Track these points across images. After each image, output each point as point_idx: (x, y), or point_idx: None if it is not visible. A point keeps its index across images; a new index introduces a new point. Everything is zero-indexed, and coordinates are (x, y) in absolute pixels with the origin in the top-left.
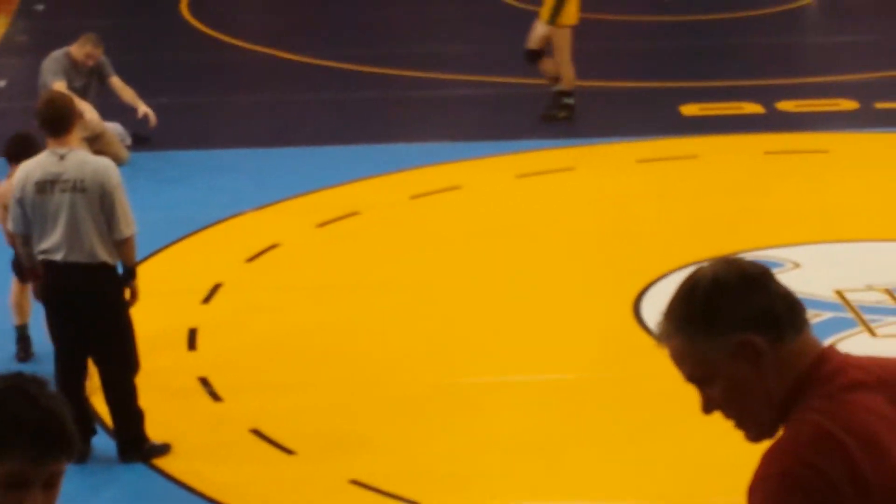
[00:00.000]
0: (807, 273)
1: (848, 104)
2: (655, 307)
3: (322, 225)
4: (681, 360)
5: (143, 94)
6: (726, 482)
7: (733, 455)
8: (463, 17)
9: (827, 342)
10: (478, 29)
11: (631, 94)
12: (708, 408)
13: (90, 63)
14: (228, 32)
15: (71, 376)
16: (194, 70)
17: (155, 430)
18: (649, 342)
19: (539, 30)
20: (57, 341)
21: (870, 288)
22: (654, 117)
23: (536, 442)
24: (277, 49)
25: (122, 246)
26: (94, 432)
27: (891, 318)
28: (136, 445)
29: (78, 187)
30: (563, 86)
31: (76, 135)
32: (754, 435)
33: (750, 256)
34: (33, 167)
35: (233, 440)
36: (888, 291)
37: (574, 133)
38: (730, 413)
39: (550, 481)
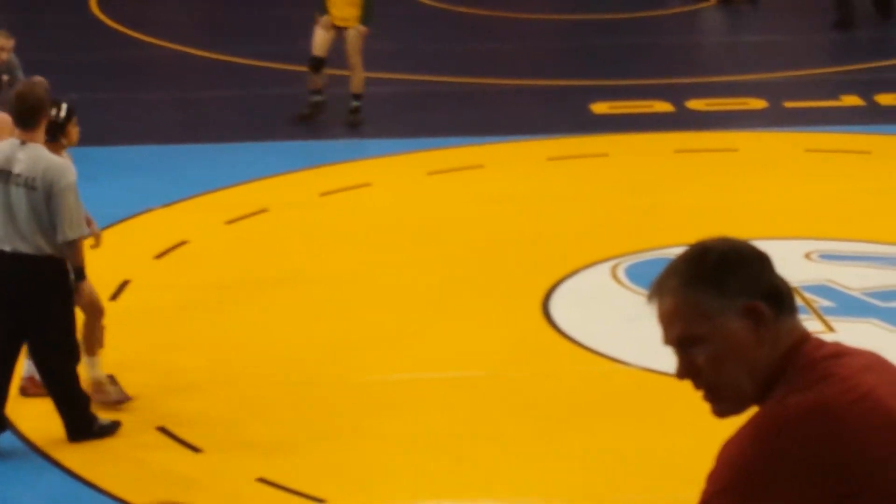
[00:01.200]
0: None
1: (757, 103)
2: (565, 305)
3: (231, 222)
4: (677, 316)
5: (53, 91)
6: (634, 480)
7: (641, 453)
8: (376, 16)
9: None
10: (390, 27)
11: (541, 92)
12: (686, 373)
13: (3, 56)
14: (138, 28)
15: (2, 366)
16: (103, 66)
17: (60, 429)
18: (558, 340)
19: (327, 36)
20: None
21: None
22: (564, 115)
23: (446, 440)
24: (187, 45)
25: (66, 248)
26: (3, 429)
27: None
28: (87, 427)
29: (29, 184)
30: (357, 89)
31: (41, 131)
32: (727, 406)
33: (659, 255)
34: (2, 152)
35: (140, 438)
36: (795, 290)
37: (485, 131)
38: (708, 379)
39: (459, 479)
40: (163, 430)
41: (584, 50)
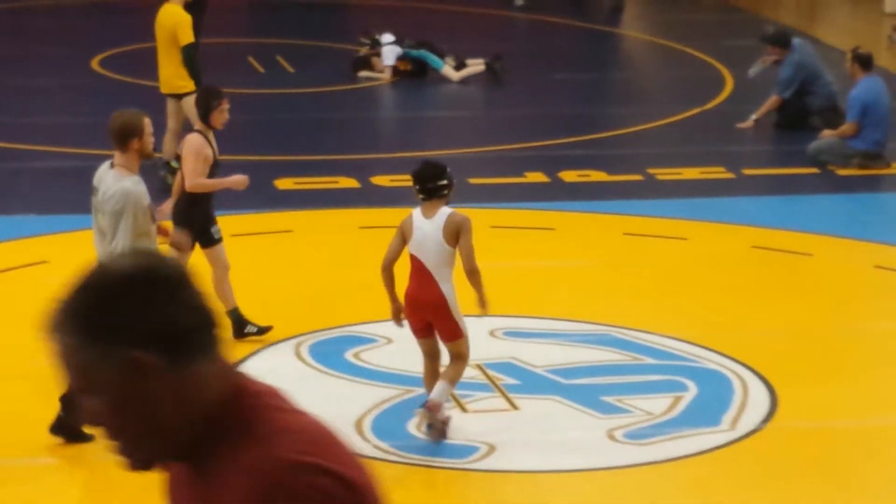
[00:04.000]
0: (400, 348)
1: None
2: None
3: None
4: (61, 362)
5: None
6: None
7: None
8: (56, 88)
9: (417, 419)
10: (68, 99)
11: (225, 168)
12: (90, 420)
13: None
14: None
15: None
16: None
17: None
18: None
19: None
20: None
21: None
22: (248, 191)
23: None
24: None
25: None
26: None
27: (482, 394)
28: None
29: (102, 207)
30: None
31: (132, 155)
32: (136, 461)
33: (343, 332)
34: (98, 171)
35: None
36: (479, 367)
37: None
38: (112, 433)
39: None
40: None
41: (267, 125)
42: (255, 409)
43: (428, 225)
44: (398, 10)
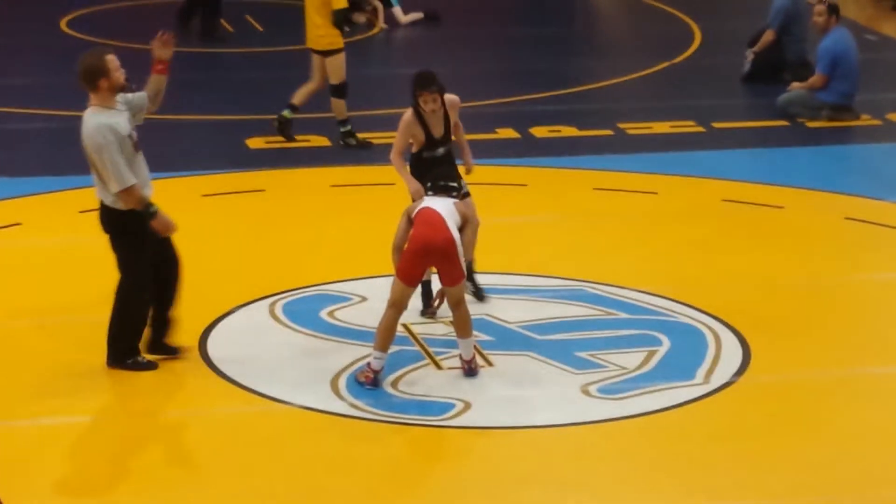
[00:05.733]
0: (374, 306)
1: None
2: (222, 343)
3: None
4: None
5: None
6: None
7: (299, 493)
8: (19, 47)
9: (393, 377)
10: (34, 59)
11: (196, 127)
12: None
13: None
14: None
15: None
16: None
17: None
18: (215, 379)
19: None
20: None
21: (436, 321)
22: (220, 151)
23: (96, 484)
24: None
25: (120, 199)
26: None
27: (457, 351)
28: (121, 356)
29: (85, 150)
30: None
31: (104, 93)
32: None
33: (317, 291)
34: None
35: None
36: (453, 324)
37: None
38: None
39: None
40: None
41: (237, 84)
42: None
43: (438, 199)
44: None
